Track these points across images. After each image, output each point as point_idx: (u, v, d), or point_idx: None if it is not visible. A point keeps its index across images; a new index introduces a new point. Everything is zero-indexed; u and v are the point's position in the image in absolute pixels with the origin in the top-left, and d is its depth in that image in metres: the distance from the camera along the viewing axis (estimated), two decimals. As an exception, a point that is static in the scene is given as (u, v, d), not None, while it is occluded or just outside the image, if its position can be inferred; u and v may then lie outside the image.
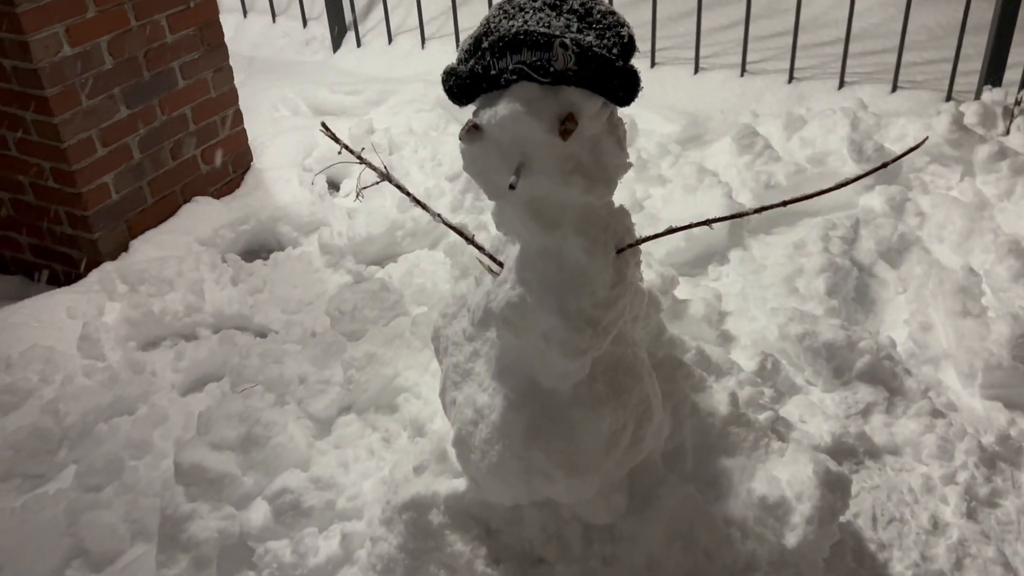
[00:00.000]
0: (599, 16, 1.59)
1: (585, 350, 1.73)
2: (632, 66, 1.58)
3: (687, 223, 1.75)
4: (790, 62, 4.44)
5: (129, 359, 3.00)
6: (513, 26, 1.55)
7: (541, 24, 1.55)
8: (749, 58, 4.53)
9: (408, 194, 1.82)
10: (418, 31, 5.17)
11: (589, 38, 1.55)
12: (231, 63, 3.87)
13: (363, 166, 1.86)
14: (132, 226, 3.58)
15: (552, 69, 1.53)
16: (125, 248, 3.55)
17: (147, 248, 3.56)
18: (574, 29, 1.57)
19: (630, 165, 1.71)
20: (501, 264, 1.90)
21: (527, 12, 1.58)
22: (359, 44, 5.30)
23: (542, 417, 1.80)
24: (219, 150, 3.91)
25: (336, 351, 2.97)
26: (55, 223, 3.50)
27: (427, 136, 4.26)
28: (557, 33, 1.53)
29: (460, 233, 1.87)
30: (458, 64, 1.64)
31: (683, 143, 4.22)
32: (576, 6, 1.59)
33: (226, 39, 3.85)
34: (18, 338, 2.99)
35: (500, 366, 1.88)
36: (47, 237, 3.57)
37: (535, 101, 1.56)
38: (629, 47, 1.59)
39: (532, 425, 1.79)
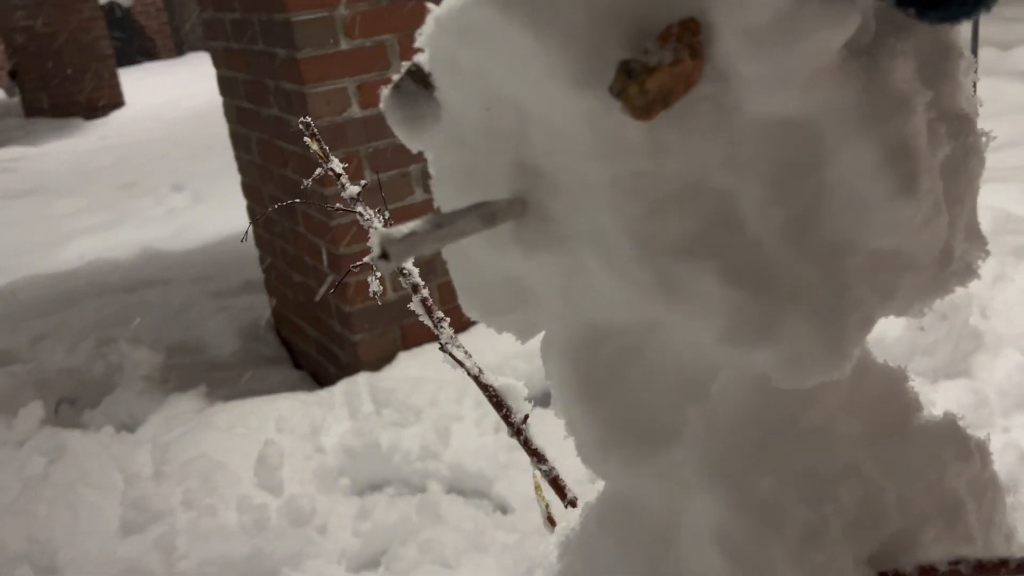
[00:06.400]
0: None
1: None
2: None
3: None
4: None
5: (295, 503, 2.22)
6: None
7: None
8: None
9: (485, 390, 0.75)
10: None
11: None
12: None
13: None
14: (408, 334, 2.89)
15: None
16: (391, 359, 2.86)
17: (412, 364, 2.82)
18: None
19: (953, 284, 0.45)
20: (573, 503, 0.72)
21: None
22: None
23: None
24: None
25: None
26: (329, 316, 2.95)
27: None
28: None
29: (533, 454, 0.74)
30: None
31: None
32: None
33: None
34: (196, 443, 2.39)
35: None
36: (325, 331, 3.03)
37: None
38: None
39: None
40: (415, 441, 2.53)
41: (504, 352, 2.86)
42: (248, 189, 3.33)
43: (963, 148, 0.47)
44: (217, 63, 3.18)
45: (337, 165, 0.87)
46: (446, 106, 0.49)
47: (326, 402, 2.71)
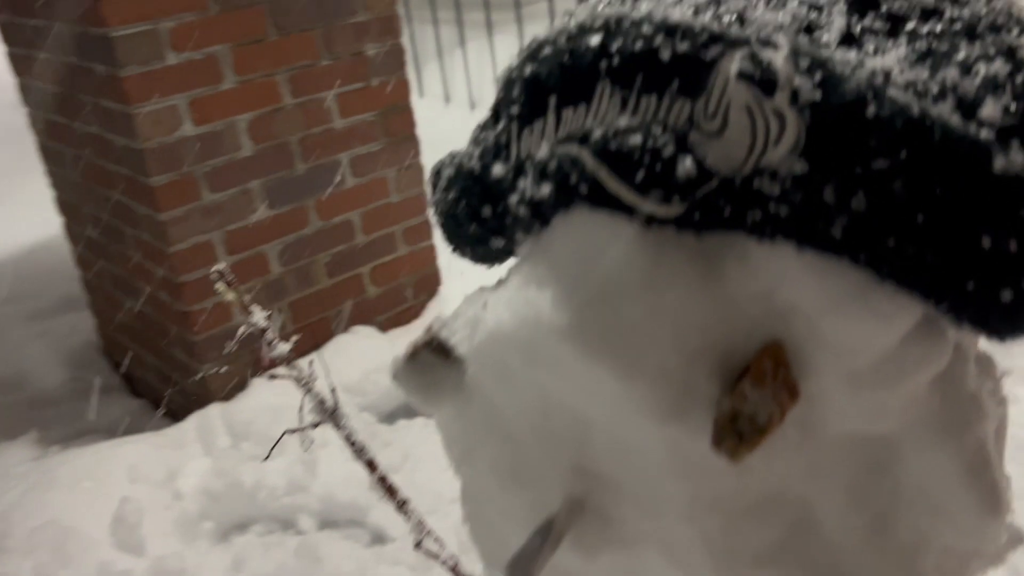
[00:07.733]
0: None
1: None
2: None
3: None
4: None
5: (162, 564, 2.09)
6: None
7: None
8: None
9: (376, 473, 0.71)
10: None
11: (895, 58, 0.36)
12: (423, 160, 3.00)
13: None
14: (261, 359, 2.75)
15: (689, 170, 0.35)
16: (244, 387, 2.72)
17: (268, 391, 2.70)
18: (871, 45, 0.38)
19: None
20: None
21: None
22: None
23: None
24: (395, 270, 3.02)
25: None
26: (171, 344, 2.77)
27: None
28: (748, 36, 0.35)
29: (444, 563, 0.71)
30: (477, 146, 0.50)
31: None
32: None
33: (419, 131, 2.99)
34: (40, 506, 2.19)
35: None
36: (166, 359, 2.85)
37: (621, 292, 0.38)
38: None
39: None
40: (280, 475, 2.43)
41: (364, 367, 2.79)
42: (65, 206, 3.05)
43: (1000, 417, 0.48)
44: (18, 69, 2.87)
45: (261, 318, 0.80)
46: (488, 402, 0.45)
47: (178, 441, 2.55)
